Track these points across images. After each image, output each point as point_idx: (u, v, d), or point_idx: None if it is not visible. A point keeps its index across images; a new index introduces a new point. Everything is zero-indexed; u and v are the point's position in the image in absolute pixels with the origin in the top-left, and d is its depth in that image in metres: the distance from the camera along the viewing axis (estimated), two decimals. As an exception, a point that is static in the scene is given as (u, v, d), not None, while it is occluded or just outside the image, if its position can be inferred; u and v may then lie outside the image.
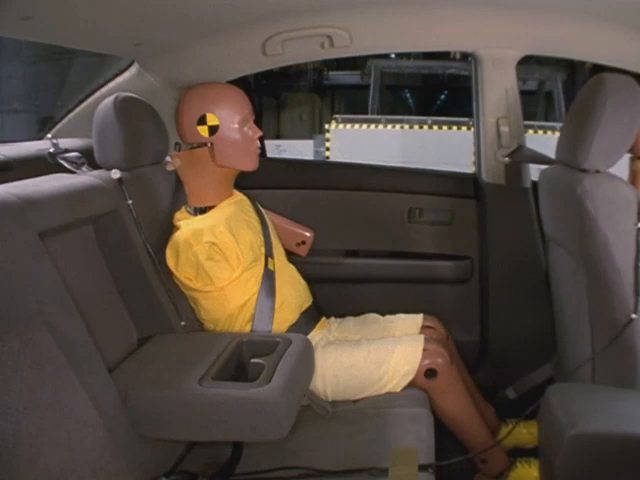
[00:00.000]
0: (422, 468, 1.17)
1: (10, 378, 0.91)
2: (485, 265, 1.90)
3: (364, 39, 1.63)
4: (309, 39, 1.59)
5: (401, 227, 1.96)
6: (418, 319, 1.65)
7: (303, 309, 1.56)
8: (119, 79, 1.70)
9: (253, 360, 1.19)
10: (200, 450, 1.26)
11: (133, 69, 1.69)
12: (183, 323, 1.40)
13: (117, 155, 1.39)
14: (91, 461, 0.99)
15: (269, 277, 1.48)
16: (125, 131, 1.38)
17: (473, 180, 1.92)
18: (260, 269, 1.48)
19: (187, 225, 1.42)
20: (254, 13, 1.48)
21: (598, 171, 1.26)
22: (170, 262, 1.40)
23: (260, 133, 1.54)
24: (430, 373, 1.45)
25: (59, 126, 1.78)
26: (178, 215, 1.50)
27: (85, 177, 1.32)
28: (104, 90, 1.71)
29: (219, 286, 1.41)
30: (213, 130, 1.45)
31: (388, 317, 1.68)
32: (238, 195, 1.60)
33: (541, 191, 1.56)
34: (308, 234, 1.88)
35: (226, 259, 1.40)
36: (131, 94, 1.47)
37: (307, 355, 1.26)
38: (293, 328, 1.49)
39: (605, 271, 1.23)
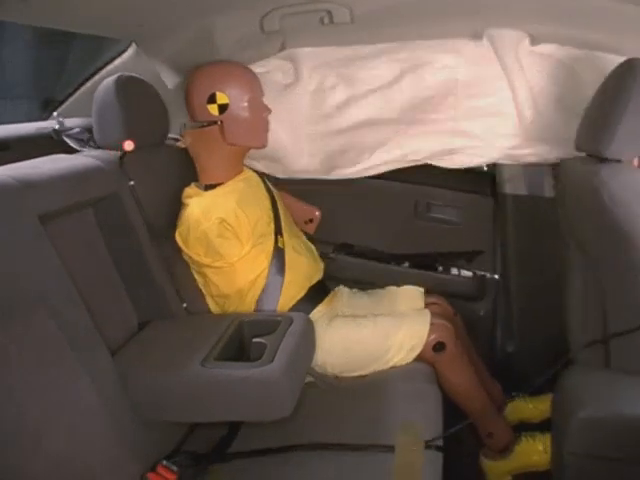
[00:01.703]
0: (429, 445, 1.18)
1: (13, 361, 0.91)
2: (505, 277, 1.78)
3: (366, 17, 1.55)
4: (308, 14, 1.52)
5: (405, 223, 1.85)
6: (420, 291, 1.66)
7: (312, 283, 1.57)
8: (118, 61, 1.68)
9: (255, 340, 1.19)
10: (202, 431, 1.26)
11: (132, 51, 1.66)
12: (185, 305, 1.40)
13: (117, 135, 1.37)
14: (93, 445, 0.99)
15: (279, 254, 1.49)
16: (125, 111, 1.36)
17: (490, 175, 1.79)
18: (270, 246, 1.48)
19: (197, 201, 1.43)
20: None
21: (619, 160, 1.20)
22: (179, 239, 1.41)
23: (270, 111, 1.54)
24: (438, 347, 1.45)
25: (60, 109, 1.76)
26: (188, 191, 1.49)
27: (85, 159, 1.31)
28: (103, 72, 1.69)
29: (229, 262, 1.42)
30: (223, 108, 1.46)
31: (392, 288, 1.68)
32: (248, 172, 1.60)
33: (558, 183, 1.50)
34: (316, 212, 1.84)
35: (236, 235, 1.40)
36: (132, 74, 1.45)
37: (308, 334, 1.26)
38: (300, 302, 1.51)
39: (622, 265, 1.17)
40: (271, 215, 1.54)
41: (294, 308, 1.49)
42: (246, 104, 1.48)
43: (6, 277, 0.92)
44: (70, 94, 1.77)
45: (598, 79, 1.42)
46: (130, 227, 1.32)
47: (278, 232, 1.52)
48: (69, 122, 1.57)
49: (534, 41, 1.50)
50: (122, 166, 1.33)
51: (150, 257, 1.34)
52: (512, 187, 1.74)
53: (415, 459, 1.14)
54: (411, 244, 1.85)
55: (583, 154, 1.35)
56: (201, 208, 1.40)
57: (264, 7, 1.49)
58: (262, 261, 1.47)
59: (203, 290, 1.51)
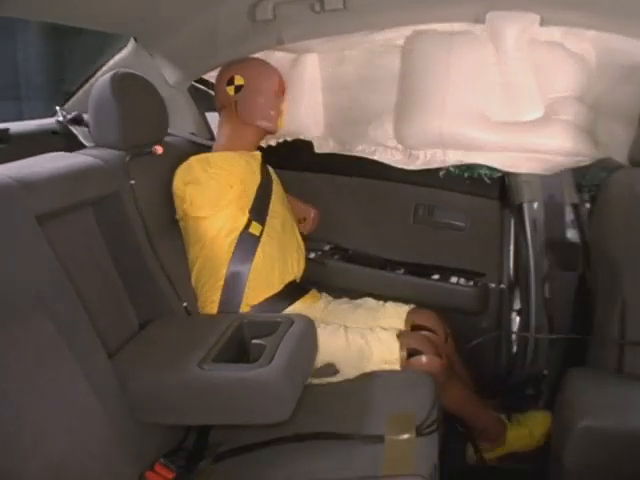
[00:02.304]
0: (421, 431, 1.15)
1: (10, 364, 0.91)
2: (520, 288, 1.67)
3: (360, 2, 1.49)
4: (300, 1, 1.49)
5: (406, 226, 1.74)
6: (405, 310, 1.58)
7: (285, 282, 1.55)
8: (117, 57, 1.68)
9: (254, 341, 1.18)
10: (200, 430, 1.25)
11: (132, 47, 1.66)
12: (185, 304, 1.39)
13: (114, 134, 1.37)
14: (92, 447, 0.99)
15: (250, 239, 1.49)
16: (122, 109, 1.35)
17: (498, 177, 1.66)
18: (240, 223, 1.48)
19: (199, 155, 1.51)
20: None
21: None
22: (179, 183, 1.46)
23: (283, 101, 1.65)
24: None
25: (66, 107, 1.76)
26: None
27: (85, 157, 1.30)
28: (105, 69, 1.69)
29: (209, 210, 1.44)
30: (238, 89, 1.59)
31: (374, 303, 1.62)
32: (255, 154, 1.66)
33: (599, 198, 1.39)
34: (312, 213, 1.78)
35: (219, 181, 1.45)
36: (129, 70, 1.43)
37: (309, 335, 1.24)
38: (272, 298, 1.50)
39: None
40: (252, 198, 1.53)
41: (265, 303, 1.49)
42: (259, 87, 1.60)
43: (3, 278, 0.92)
44: (74, 92, 1.77)
45: (608, 71, 1.38)
46: (129, 226, 1.31)
47: (256, 218, 1.51)
48: None
49: (543, 23, 1.41)
50: (127, 165, 1.33)
51: (149, 256, 1.34)
52: (528, 193, 1.62)
53: (406, 446, 1.12)
54: (411, 249, 1.74)
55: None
56: (198, 157, 1.49)
57: None
58: (232, 228, 1.47)
59: (187, 252, 1.51)
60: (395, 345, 1.41)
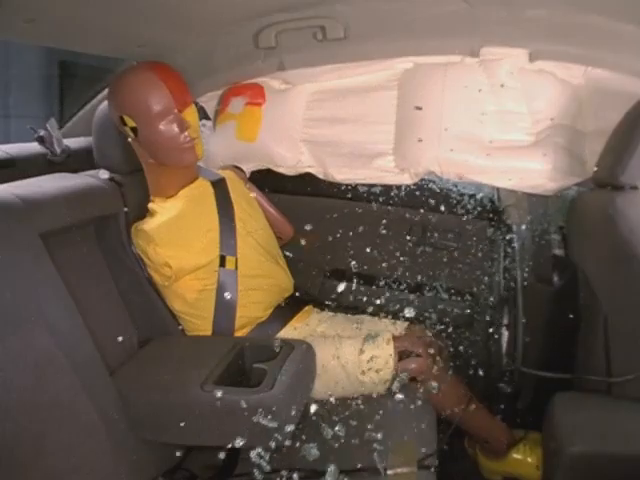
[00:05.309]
0: (422, 464, 1.16)
1: (11, 380, 0.92)
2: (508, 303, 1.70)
3: (360, 32, 1.53)
4: (302, 30, 1.52)
5: (400, 247, 1.77)
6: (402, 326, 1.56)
7: (275, 305, 1.52)
8: None
9: (255, 365, 1.18)
10: (200, 451, 1.26)
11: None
12: (180, 327, 1.40)
13: (116, 158, 1.40)
14: (91, 463, 0.99)
15: (228, 275, 1.42)
16: (123, 134, 1.38)
17: (487, 197, 1.70)
18: (213, 264, 1.41)
19: (146, 225, 1.36)
20: (249, 8, 1.46)
21: (635, 187, 1.18)
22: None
23: (187, 126, 1.34)
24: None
25: (64, 129, 1.79)
26: (150, 204, 1.43)
27: (88, 178, 1.33)
28: (105, 93, 1.72)
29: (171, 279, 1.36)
30: (134, 131, 1.34)
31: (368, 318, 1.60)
32: (199, 183, 1.49)
33: (570, 218, 1.42)
34: (288, 229, 1.76)
35: (161, 268, 1.34)
36: None
37: (309, 361, 1.25)
38: (265, 322, 1.48)
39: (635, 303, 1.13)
40: (217, 235, 1.43)
41: (258, 328, 1.46)
42: (152, 123, 1.33)
43: (6, 294, 0.93)
44: (72, 115, 1.80)
45: (596, 98, 1.42)
46: (128, 246, 1.33)
47: (227, 252, 1.43)
48: (70, 142, 1.60)
49: (532, 58, 1.49)
50: (120, 189, 1.35)
51: (147, 276, 1.35)
52: (517, 215, 1.68)
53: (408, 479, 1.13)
54: (405, 269, 1.79)
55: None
56: (144, 233, 1.33)
57: (259, 24, 1.51)
58: (201, 279, 1.40)
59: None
60: (389, 348, 1.39)
